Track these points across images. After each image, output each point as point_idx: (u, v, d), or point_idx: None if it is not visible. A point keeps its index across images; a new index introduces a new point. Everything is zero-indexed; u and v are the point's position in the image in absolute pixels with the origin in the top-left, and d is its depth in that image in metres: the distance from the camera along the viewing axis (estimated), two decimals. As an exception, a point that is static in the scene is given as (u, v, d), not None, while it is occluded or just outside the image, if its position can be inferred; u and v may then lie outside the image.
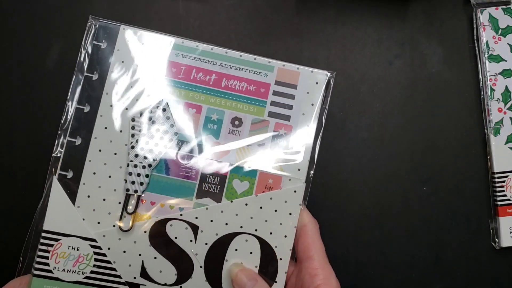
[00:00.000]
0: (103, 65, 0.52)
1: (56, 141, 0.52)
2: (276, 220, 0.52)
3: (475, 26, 0.63)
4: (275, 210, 0.52)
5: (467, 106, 0.63)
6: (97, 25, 0.53)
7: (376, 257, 0.61)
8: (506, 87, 0.62)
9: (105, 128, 0.51)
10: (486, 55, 0.62)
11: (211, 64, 0.53)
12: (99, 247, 0.50)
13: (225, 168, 0.52)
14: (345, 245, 0.61)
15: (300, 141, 0.53)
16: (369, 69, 0.62)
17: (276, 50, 0.61)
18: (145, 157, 0.51)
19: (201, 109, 0.53)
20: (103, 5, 0.60)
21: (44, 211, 0.50)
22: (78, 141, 0.51)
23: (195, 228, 0.51)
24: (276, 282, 0.51)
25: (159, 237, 0.51)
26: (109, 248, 0.50)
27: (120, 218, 0.51)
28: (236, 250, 0.51)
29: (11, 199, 0.58)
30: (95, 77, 0.52)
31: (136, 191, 0.51)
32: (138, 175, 0.51)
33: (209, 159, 0.52)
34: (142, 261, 0.50)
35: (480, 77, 0.63)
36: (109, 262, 0.50)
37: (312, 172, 0.53)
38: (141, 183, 0.51)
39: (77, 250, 0.50)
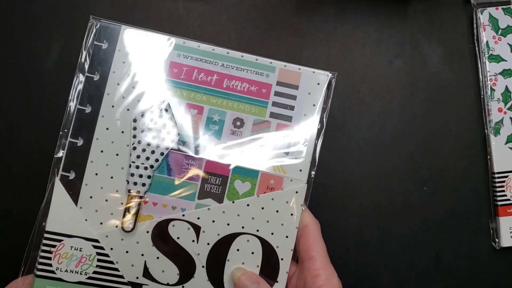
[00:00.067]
0: (104, 66, 0.53)
1: (58, 142, 0.52)
2: (277, 220, 0.53)
3: (475, 26, 0.63)
4: (277, 211, 0.53)
5: (467, 106, 0.63)
6: (98, 25, 0.54)
7: (376, 257, 0.62)
8: (506, 87, 0.62)
9: (107, 129, 0.52)
10: (486, 55, 0.62)
11: (213, 65, 0.54)
12: (101, 248, 0.51)
13: (226, 169, 0.53)
14: (345, 245, 0.61)
15: (302, 142, 0.54)
16: (369, 69, 0.63)
17: (276, 50, 0.61)
18: (147, 158, 0.52)
19: (202, 109, 0.54)
20: (103, 5, 0.60)
21: (46, 212, 0.51)
22: (80, 142, 0.52)
23: (197, 229, 0.52)
24: (277, 282, 0.52)
25: (162, 237, 0.52)
26: (111, 249, 0.51)
27: (123, 219, 0.52)
28: (237, 250, 0.53)
29: (13, 200, 0.58)
30: (96, 77, 0.53)
31: (138, 192, 0.52)
32: (140, 176, 0.52)
33: (210, 160, 0.53)
34: (145, 261, 0.52)
35: (480, 77, 0.63)
36: (111, 262, 0.51)
37: (313, 172, 0.54)
38: (143, 184, 0.52)
39: (80, 250, 0.51)
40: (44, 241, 0.51)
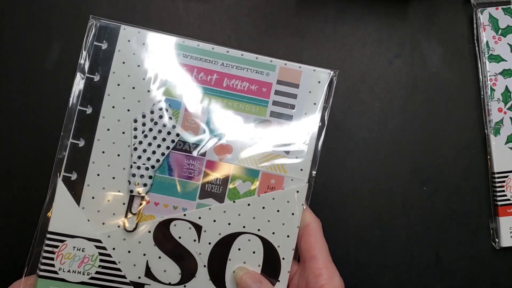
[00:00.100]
0: (104, 66, 0.53)
1: (60, 143, 0.53)
2: (278, 220, 0.53)
3: (475, 26, 0.64)
4: (278, 210, 0.53)
5: (467, 106, 0.64)
6: (98, 25, 0.54)
7: (376, 257, 0.62)
8: (506, 87, 0.63)
9: (108, 129, 0.53)
10: (486, 55, 0.63)
11: (213, 64, 0.55)
12: (104, 248, 0.52)
13: (227, 168, 0.54)
14: (345, 245, 0.62)
15: (303, 141, 0.55)
16: (369, 69, 0.63)
17: (276, 50, 0.62)
18: (148, 159, 0.53)
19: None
20: (103, 5, 0.61)
21: (49, 213, 0.52)
22: (81, 143, 0.53)
23: (198, 228, 0.53)
24: (279, 281, 0.53)
25: (163, 237, 0.53)
26: (114, 249, 0.52)
27: (125, 219, 0.52)
28: (239, 249, 0.53)
29: (13, 200, 0.59)
30: (96, 78, 0.53)
31: (140, 192, 0.52)
32: (142, 176, 0.53)
33: (211, 160, 0.54)
34: (147, 260, 0.52)
35: (480, 77, 0.64)
36: (114, 262, 0.52)
37: (314, 172, 0.54)
38: (145, 184, 0.53)
39: (82, 251, 0.51)
40: (47, 242, 0.51)
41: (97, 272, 0.52)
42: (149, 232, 0.53)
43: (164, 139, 0.54)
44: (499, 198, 0.63)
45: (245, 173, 0.54)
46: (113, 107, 0.53)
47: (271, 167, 0.54)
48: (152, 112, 0.54)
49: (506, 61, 0.64)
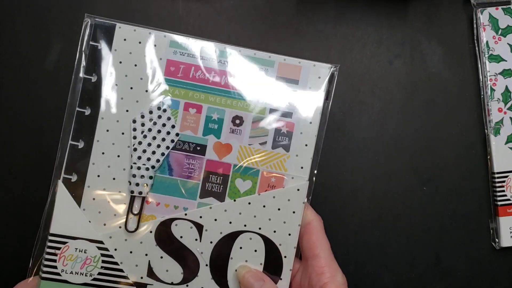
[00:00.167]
0: (101, 66, 0.54)
1: (59, 145, 0.53)
2: (279, 218, 0.54)
3: (475, 26, 0.65)
4: (278, 209, 0.54)
5: (467, 106, 0.65)
6: (93, 24, 0.54)
7: (376, 257, 0.64)
8: (506, 87, 0.64)
9: (107, 130, 0.54)
10: (486, 55, 0.64)
11: (210, 61, 0.55)
12: (106, 249, 0.53)
13: (227, 167, 0.55)
14: (345, 245, 0.63)
15: (303, 139, 0.55)
16: (369, 69, 0.64)
17: (276, 50, 0.60)
18: (148, 159, 0.54)
19: (201, 108, 0.55)
20: (103, 5, 0.62)
21: (50, 215, 0.52)
22: (80, 145, 0.53)
23: (199, 227, 0.54)
24: (281, 279, 0.54)
25: (165, 237, 0.53)
26: (115, 249, 0.53)
27: (126, 219, 0.53)
28: (240, 248, 0.54)
29: (13, 201, 0.60)
30: (94, 79, 0.54)
31: (140, 193, 0.53)
32: (142, 176, 0.53)
33: (211, 159, 0.55)
34: (149, 260, 0.53)
35: (480, 77, 0.65)
36: (116, 263, 0.53)
37: (315, 170, 0.55)
38: (145, 185, 0.53)
39: (84, 252, 0.52)
40: (49, 244, 0.52)
41: (99, 273, 0.53)
42: (151, 232, 0.54)
43: (163, 139, 0.54)
44: (499, 198, 0.64)
45: (245, 171, 0.55)
46: (112, 108, 0.54)
47: (271, 166, 0.55)
48: (150, 112, 0.54)
49: (506, 61, 0.65)
